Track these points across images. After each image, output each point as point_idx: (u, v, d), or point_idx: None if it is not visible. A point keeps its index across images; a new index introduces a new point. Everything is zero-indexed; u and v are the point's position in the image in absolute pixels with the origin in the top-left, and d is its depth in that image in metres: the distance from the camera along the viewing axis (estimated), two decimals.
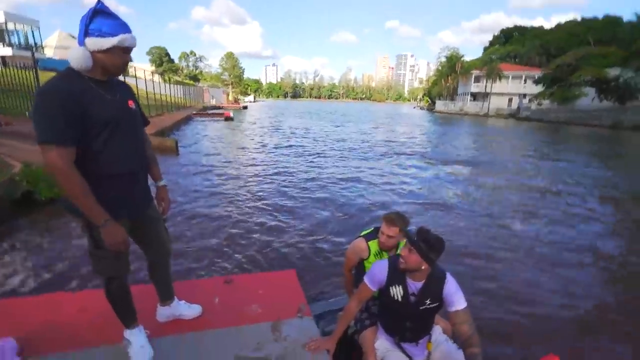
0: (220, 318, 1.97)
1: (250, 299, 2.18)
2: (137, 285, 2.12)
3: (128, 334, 1.65)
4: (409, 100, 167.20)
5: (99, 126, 1.31)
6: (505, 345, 2.63)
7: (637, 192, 7.66)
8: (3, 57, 19.99)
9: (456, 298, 1.56)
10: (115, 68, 1.36)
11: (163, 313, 1.89)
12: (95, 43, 1.27)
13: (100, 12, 1.28)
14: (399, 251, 1.99)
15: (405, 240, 2.00)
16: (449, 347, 1.74)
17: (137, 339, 1.63)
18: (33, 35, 25.89)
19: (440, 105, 55.85)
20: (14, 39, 23.70)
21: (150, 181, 1.69)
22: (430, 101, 68.77)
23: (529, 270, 3.88)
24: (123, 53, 1.34)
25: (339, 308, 2.38)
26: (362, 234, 2.14)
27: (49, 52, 28.67)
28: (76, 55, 1.26)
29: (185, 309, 1.94)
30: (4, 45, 21.36)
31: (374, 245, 2.02)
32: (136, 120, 1.53)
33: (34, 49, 11.49)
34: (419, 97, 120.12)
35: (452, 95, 54.89)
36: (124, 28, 1.31)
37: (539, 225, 5.33)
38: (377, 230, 2.07)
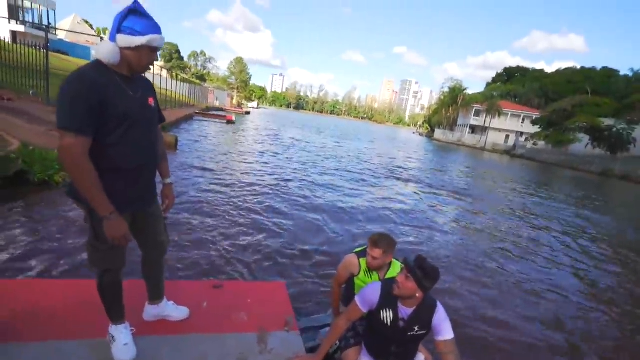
0: (206, 323, 1.96)
1: (239, 306, 2.16)
2: (126, 281, 2.10)
3: (113, 329, 1.62)
4: (408, 125, 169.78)
5: (118, 120, 1.33)
6: None
7: (626, 238, 7.81)
8: (14, 33, 19.96)
9: (444, 327, 1.60)
10: (140, 66, 1.40)
11: (150, 312, 1.87)
12: (126, 40, 1.31)
13: (134, 11, 1.33)
14: (391, 274, 2.01)
15: (400, 265, 2.03)
16: None
17: (122, 336, 1.61)
18: (48, 16, 25.99)
19: (439, 133, 56.85)
20: (28, 17, 23.77)
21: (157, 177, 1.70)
22: (429, 129, 69.99)
23: (516, 303, 3.92)
24: (150, 52, 1.39)
25: (320, 325, 2.37)
26: (355, 250, 2.16)
27: (61, 34, 28.74)
28: (105, 50, 1.31)
29: (173, 310, 1.92)
30: (17, 22, 21.35)
31: (364, 262, 2.05)
32: (154, 118, 1.56)
33: (47, 29, 11.47)
34: (419, 123, 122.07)
35: (452, 125, 55.97)
36: (155, 29, 1.37)
37: (527, 261, 5.39)
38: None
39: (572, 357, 3.13)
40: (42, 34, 10.78)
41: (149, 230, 1.68)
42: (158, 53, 1.44)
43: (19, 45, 9.76)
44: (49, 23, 25.41)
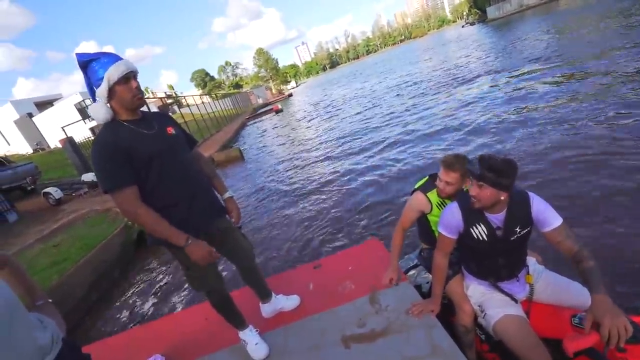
0: (318, 302, 2.02)
1: (342, 277, 2.18)
2: (238, 290, 2.30)
3: (242, 334, 1.79)
4: (454, 22, 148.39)
5: (145, 161, 1.35)
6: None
7: None
8: (92, 129, 23.83)
9: (549, 215, 1.34)
10: (129, 102, 1.34)
11: (266, 310, 2.00)
12: (100, 92, 1.29)
13: (86, 63, 1.29)
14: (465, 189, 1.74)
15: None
16: (550, 274, 1.54)
17: (250, 338, 1.77)
18: None
19: (492, 11, 48.23)
20: None
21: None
22: (479, 12, 59.80)
23: None
24: (123, 85, 1.30)
25: (404, 270, 2.24)
26: (417, 186, 1.89)
27: None
28: (95, 113, 1.31)
29: (284, 301, 2.02)
30: (89, 120, 25.23)
31: (433, 196, 1.78)
32: (179, 145, 1.54)
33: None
34: (464, 12, 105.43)
35: None
36: (108, 62, 1.28)
37: None
38: (433, 177, 1.82)
39: None
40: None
41: (229, 244, 1.75)
42: (136, 77, 1.35)
43: None
44: None
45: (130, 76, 1.32)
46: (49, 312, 1.08)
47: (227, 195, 1.81)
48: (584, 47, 9.31)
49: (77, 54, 1.29)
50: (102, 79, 1.27)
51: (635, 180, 3.02)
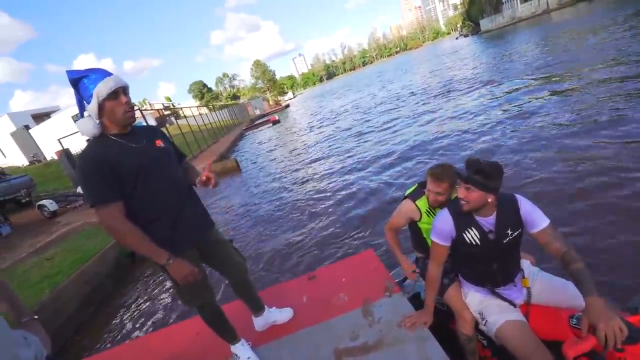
0: (311, 315, 1.99)
1: (336, 289, 2.16)
2: (231, 303, 2.27)
3: (233, 349, 1.76)
4: (448, 34, 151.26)
5: (132, 175, 1.35)
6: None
7: None
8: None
9: (537, 216, 1.37)
10: (120, 118, 1.35)
11: (259, 323, 1.98)
12: (90, 108, 1.30)
13: (77, 80, 1.30)
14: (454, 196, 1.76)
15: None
16: (545, 276, 1.54)
17: (242, 352, 1.74)
18: None
19: (486, 23, 49.28)
20: None
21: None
22: (473, 24, 61.08)
23: None
24: (113, 100, 1.31)
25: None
26: (407, 193, 1.89)
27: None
28: (84, 127, 1.31)
29: (277, 314, 2.00)
30: None
31: (422, 203, 1.78)
32: (167, 158, 1.53)
33: None
34: (458, 24, 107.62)
35: (496, 5, 47.84)
36: (97, 79, 1.29)
37: None
38: (421, 185, 1.83)
39: None
40: None
41: (220, 257, 1.73)
42: (126, 92, 1.35)
43: None
44: None
45: (119, 91, 1.32)
46: (34, 329, 1.07)
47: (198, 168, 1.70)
48: (575, 59, 9.49)
49: (67, 72, 1.30)
50: (90, 95, 1.28)
51: (621, 185, 3.06)
